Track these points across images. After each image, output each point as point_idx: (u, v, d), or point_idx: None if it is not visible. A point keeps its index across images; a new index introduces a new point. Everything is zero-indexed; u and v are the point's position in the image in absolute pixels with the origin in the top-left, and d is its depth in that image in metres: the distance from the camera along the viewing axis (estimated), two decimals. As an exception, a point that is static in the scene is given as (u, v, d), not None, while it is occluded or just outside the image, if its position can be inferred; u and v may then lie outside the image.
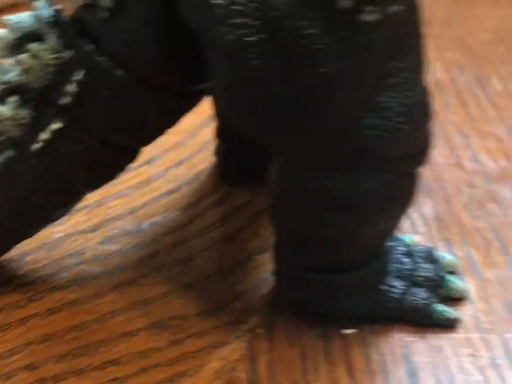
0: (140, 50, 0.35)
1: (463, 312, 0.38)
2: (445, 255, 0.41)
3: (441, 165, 0.49)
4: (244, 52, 0.33)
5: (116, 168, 0.39)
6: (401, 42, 0.34)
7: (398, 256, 0.39)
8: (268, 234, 0.44)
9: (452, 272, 0.40)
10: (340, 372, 0.36)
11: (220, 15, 0.33)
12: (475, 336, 0.38)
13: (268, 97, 0.34)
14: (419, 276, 0.39)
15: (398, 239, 0.40)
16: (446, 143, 0.52)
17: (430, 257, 0.40)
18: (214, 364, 0.36)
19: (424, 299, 0.38)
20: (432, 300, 0.38)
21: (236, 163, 0.47)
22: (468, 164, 0.50)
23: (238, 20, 0.33)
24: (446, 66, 0.61)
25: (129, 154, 0.39)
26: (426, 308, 0.38)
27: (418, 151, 0.36)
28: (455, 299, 0.39)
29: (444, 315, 0.38)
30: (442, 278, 0.39)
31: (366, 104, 0.34)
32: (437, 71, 0.59)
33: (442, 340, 0.37)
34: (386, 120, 0.34)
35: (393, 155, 0.35)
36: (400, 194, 0.36)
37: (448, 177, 0.48)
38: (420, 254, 0.40)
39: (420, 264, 0.40)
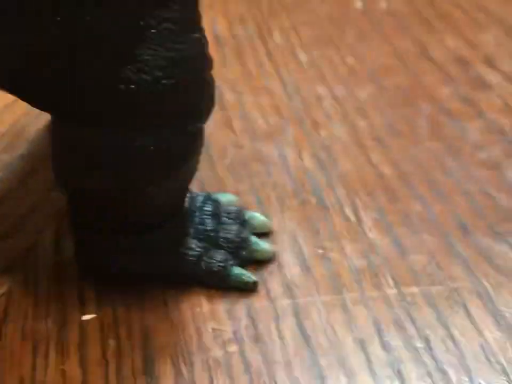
0: None
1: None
2: (256, 216, 0.39)
3: (209, 125, 0.47)
4: None
5: None
6: None
7: (203, 217, 0.38)
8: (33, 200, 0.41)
9: (265, 234, 0.38)
10: (71, 364, 0.33)
11: None
12: (220, 307, 0.35)
13: (8, 46, 0.31)
14: (220, 238, 0.37)
15: (209, 199, 0.38)
16: (218, 101, 0.49)
17: (239, 218, 0.38)
18: None
19: (220, 262, 0.36)
20: (230, 262, 0.36)
21: None
22: (238, 123, 0.47)
23: None
24: (228, 20, 0.58)
25: None
26: (223, 271, 0.36)
27: (191, 107, 0.34)
28: (260, 261, 0.37)
29: (241, 278, 0.36)
30: (246, 240, 0.37)
31: (121, 57, 0.31)
32: (217, 25, 0.57)
33: (186, 315, 0.35)
34: (144, 74, 0.32)
35: (157, 112, 0.32)
36: (179, 153, 0.34)
37: (215, 138, 0.46)
38: (229, 215, 0.38)
39: (224, 226, 0.38)
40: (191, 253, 0.36)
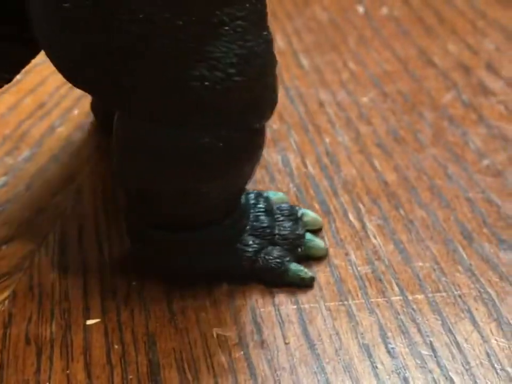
0: None
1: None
2: (308, 212, 0.39)
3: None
4: None
5: None
6: None
7: (258, 214, 0.38)
8: (37, 204, 0.41)
9: (316, 231, 0.39)
10: (76, 368, 0.33)
11: None
12: (225, 312, 0.35)
13: (84, 45, 0.31)
14: (276, 234, 0.37)
15: (261, 196, 0.39)
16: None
17: (292, 215, 0.39)
18: None
19: (277, 258, 0.37)
20: (287, 259, 0.37)
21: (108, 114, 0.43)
22: (241, 128, 0.48)
23: None
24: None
25: None
26: (280, 267, 0.36)
27: (258, 104, 0.34)
28: (315, 258, 0.38)
29: (298, 275, 0.36)
30: (301, 237, 0.38)
31: (194, 54, 0.31)
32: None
33: (190, 320, 0.35)
34: (217, 71, 0.32)
35: (227, 108, 0.33)
36: (241, 151, 0.34)
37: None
38: (282, 212, 0.39)
39: (279, 222, 0.38)
40: (248, 249, 0.37)
